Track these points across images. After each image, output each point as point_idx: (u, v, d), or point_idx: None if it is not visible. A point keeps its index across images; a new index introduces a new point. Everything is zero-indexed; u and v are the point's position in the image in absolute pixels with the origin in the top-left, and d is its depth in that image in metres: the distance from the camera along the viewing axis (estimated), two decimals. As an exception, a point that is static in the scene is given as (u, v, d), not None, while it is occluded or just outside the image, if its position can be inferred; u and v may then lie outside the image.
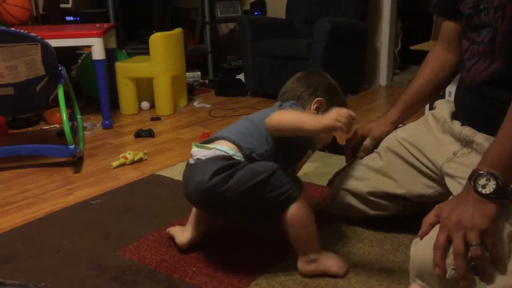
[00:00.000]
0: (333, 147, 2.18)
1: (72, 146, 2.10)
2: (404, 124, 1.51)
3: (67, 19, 3.72)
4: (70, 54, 3.60)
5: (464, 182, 1.05)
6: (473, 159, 1.13)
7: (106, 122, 2.83)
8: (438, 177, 1.30)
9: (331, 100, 1.37)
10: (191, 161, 1.26)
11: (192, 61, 4.10)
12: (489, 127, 1.13)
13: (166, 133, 2.74)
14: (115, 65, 3.07)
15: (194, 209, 1.40)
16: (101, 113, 2.83)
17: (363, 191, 1.43)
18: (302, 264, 1.25)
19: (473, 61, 1.19)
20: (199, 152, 1.24)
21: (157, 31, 3.22)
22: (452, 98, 1.46)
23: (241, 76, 3.86)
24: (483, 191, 0.98)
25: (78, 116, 2.43)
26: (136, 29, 4.16)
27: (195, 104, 3.39)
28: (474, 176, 1.00)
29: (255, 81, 3.59)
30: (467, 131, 1.21)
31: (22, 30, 1.99)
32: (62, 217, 1.68)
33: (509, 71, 1.11)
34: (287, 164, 1.29)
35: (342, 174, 1.50)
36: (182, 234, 1.40)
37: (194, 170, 1.22)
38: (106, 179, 2.05)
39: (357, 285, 1.22)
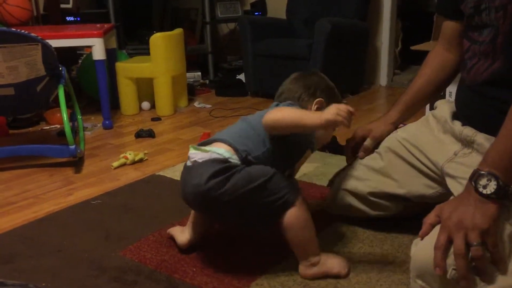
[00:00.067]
0: (333, 147, 2.18)
1: (72, 147, 2.10)
2: (404, 124, 1.51)
3: (68, 19, 3.72)
4: (71, 54, 3.60)
5: (464, 182, 1.05)
6: (474, 159, 1.13)
7: (107, 122, 2.83)
8: (438, 177, 1.30)
9: (330, 101, 1.37)
10: (188, 163, 1.26)
11: (193, 61, 4.10)
12: (490, 127, 1.12)
13: (167, 133, 2.74)
14: (116, 65, 3.07)
15: (192, 210, 1.40)
16: (102, 113, 2.83)
17: (364, 191, 1.43)
18: (303, 269, 1.25)
19: (474, 61, 1.19)
20: (196, 155, 1.23)
21: (157, 31, 3.22)
22: (452, 98, 1.46)
23: (241, 76, 3.86)
24: (484, 192, 0.98)
25: (79, 116, 2.43)
26: (137, 29, 4.17)
27: (196, 104, 3.39)
28: (475, 177, 1.00)
29: (255, 81, 3.59)
30: (468, 131, 1.21)
31: (23, 31, 1.99)
32: (63, 217, 1.68)
33: (511, 71, 1.11)
34: (285, 165, 1.28)
35: (342, 174, 1.50)
36: (182, 234, 1.40)
37: (191, 173, 1.22)
38: (106, 179, 2.05)
39: (357, 285, 1.22)
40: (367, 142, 1.48)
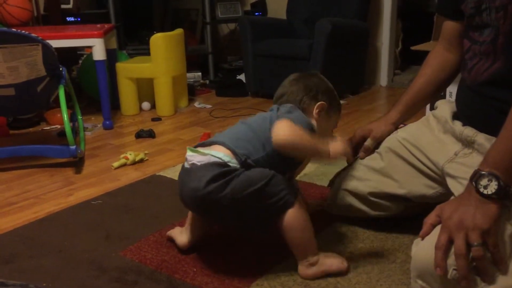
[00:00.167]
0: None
1: (73, 147, 2.10)
2: (405, 125, 1.51)
3: (68, 19, 3.73)
4: (71, 55, 3.61)
5: (465, 182, 1.04)
6: (475, 160, 1.13)
7: (107, 122, 2.83)
8: (439, 178, 1.30)
9: (332, 104, 1.37)
10: (186, 165, 1.25)
11: (193, 61, 4.10)
12: (491, 127, 1.12)
13: (167, 133, 2.74)
14: (116, 65, 3.07)
15: (190, 211, 1.39)
16: (102, 113, 2.83)
17: (364, 192, 1.43)
18: (303, 269, 1.25)
19: (474, 61, 1.19)
20: (194, 157, 1.22)
21: (157, 31, 3.22)
22: (452, 98, 1.46)
23: (241, 77, 3.86)
24: (485, 192, 0.98)
25: (79, 117, 2.43)
26: (137, 30, 4.17)
27: (196, 104, 3.39)
28: (475, 177, 1.00)
29: (255, 81, 3.59)
30: (469, 131, 1.21)
31: (23, 31, 1.99)
32: (63, 218, 1.68)
33: (511, 71, 1.11)
34: (285, 169, 1.28)
35: (342, 175, 1.50)
36: (181, 236, 1.40)
37: (190, 175, 1.21)
38: (107, 179, 2.05)
39: (358, 285, 1.22)
40: (368, 142, 1.48)
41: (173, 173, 2.05)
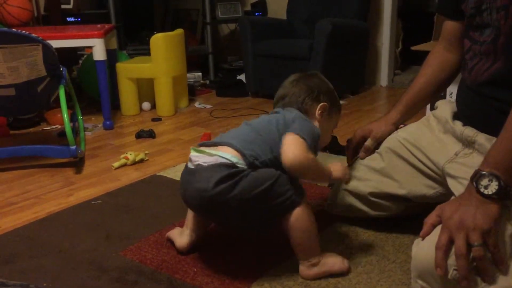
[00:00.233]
0: (334, 148, 2.18)
1: (73, 147, 2.10)
2: (405, 125, 1.51)
3: (68, 20, 3.73)
4: (71, 55, 3.61)
5: (466, 182, 1.04)
6: (475, 160, 1.13)
7: (107, 122, 2.83)
8: (439, 178, 1.30)
9: (333, 104, 1.37)
10: (191, 165, 1.23)
11: (193, 61, 4.10)
12: (491, 127, 1.12)
13: (167, 133, 2.74)
14: (116, 65, 3.07)
15: (190, 213, 1.38)
16: (102, 113, 2.83)
17: (364, 192, 1.43)
18: (304, 269, 1.25)
19: (475, 61, 1.19)
20: (199, 158, 1.21)
21: (158, 31, 3.23)
22: (453, 98, 1.46)
23: (242, 77, 3.86)
24: (486, 192, 0.98)
25: (79, 117, 2.43)
26: (137, 30, 4.17)
27: (196, 104, 3.39)
28: (476, 177, 1.00)
29: (256, 81, 3.59)
30: (469, 131, 1.21)
31: (23, 31, 1.99)
32: (64, 218, 1.68)
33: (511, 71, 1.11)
34: None
35: (343, 175, 1.50)
36: (181, 238, 1.39)
37: (196, 176, 1.20)
38: (107, 179, 2.05)
39: (358, 285, 1.22)
40: (368, 143, 1.48)
41: (174, 173, 2.05)
